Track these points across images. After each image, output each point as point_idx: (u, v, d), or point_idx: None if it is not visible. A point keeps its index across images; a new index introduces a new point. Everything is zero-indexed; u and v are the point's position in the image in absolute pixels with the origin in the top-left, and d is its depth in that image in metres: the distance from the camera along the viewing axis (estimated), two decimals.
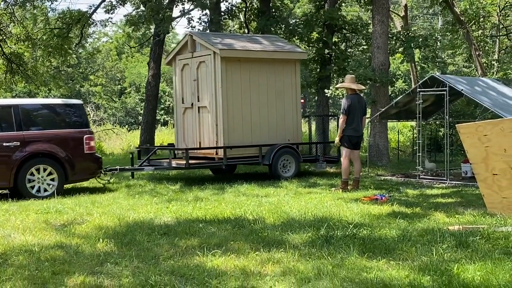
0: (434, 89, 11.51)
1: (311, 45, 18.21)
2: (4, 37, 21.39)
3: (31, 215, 7.95)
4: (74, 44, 22.07)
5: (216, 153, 11.98)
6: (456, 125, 8.08)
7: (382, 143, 14.86)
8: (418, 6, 39.49)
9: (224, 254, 5.45)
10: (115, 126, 30.60)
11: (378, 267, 4.93)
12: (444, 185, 10.94)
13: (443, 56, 33.12)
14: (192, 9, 20.99)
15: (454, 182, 11.05)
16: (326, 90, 16.41)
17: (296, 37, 18.09)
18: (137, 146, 15.37)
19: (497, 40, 24.56)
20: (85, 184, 11.57)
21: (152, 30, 20.89)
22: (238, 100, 12.06)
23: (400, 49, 17.16)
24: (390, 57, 16.43)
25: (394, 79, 31.00)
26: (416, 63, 26.67)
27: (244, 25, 20.03)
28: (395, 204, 8.28)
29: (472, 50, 21.39)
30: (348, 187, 10.22)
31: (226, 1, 19.55)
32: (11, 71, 22.03)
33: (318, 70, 17.92)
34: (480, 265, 4.82)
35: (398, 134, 20.44)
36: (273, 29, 17.58)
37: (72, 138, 10.48)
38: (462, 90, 11.17)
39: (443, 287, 4.38)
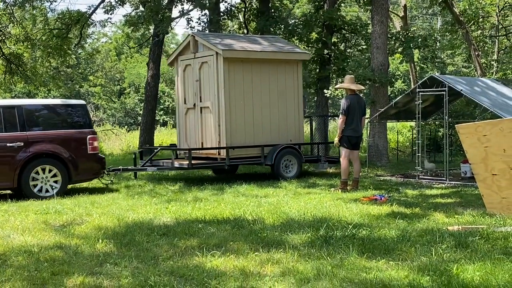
0: (434, 89, 11.51)
1: (310, 45, 18.21)
2: (4, 38, 21.39)
3: (31, 215, 7.95)
4: (74, 44, 22.06)
5: (219, 154, 12.00)
6: (456, 125, 8.09)
7: (381, 144, 14.86)
8: (418, 6, 39.52)
9: (223, 255, 5.45)
10: (115, 127, 30.59)
11: (378, 268, 4.93)
12: (443, 185, 10.95)
13: (442, 57, 33.14)
14: (191, 10, 20.98)
15: (454, 182, 11.05)
16: (325, 91, 16.42)
17: (296, 38, 18.09)
18: (140, 146, 15.34)
19: (496, 40, 24.56)
20: (84, 184, 11.57)
21: (151, 31, 20.88)
22: (241, 100, 12.09)
23: (399, 49, 17.17)
24: (389, 58, 16.44)
25: (393, 80, 30.96)
26: (416, 63, 26.69)
27: (243, 25, 20.04)
28: (395, 204, 8.28)
29: (471, 50, 21.39)
30: (348, 188, 10.22)
31: (225, 2, 19.54)
32: (10, 72, 22.03)
33: (317, 70, 17.92)
34: (480, 265, 4.82)
35: (398, 135, 20.45)
36: (272, 30, 17.58)
37: (75, 138, 10.50)
38: (461, 90, 11.17)
39: (442, 287, 4.38)
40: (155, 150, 12.83)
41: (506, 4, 23.16)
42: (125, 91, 44.79)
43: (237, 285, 4.57)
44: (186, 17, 19.00)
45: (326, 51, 17.59)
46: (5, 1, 20.05)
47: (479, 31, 24.25)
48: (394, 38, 17.21)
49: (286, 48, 13.06)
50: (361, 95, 11.58)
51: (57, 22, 20.56)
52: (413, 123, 16.86)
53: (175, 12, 40.45)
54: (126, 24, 19.46)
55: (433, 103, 13.12)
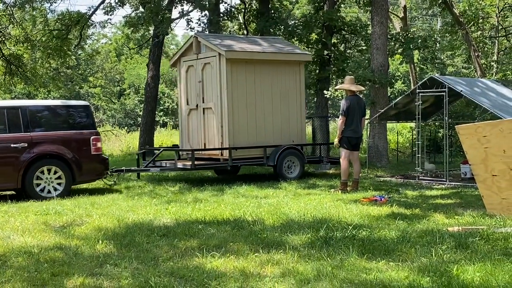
0: (434, 90, 11.51)
1: (310, 46, 18.22)
2: (3, 39, 21.39)
3: (31, 216, 7.95)
4: (73, 45, 22.05)
5: (221, 154, 12.02)
6: (456, 126, 8.09)
7: (381, 144, 14.86)
8: (417, 7, 39.52)
9: (223, 256, 5.45)
10: (114, 128, 30.61)
11: (378, 268, 4.93)
12: (443, 186, 10.94)
13: (442, 57, 33.17)
14: (191, 11, 21.01)
15: (454, 183, 11.05)
16: (325, 91, 16.42)
17: (295, 38, 18.10)
18: (141, 147, 15.35)
19: (496, 41, 24.57)
20: (84, 185, 11.57)
21: (151, 32, 20.89)
22: (243, 101, 12.11)
23: (399, 50, 17.17)
24: (389, 58, 16.44)
25: (393, 80, 31.01)
26: (415, 64, 26.70)
27: (243, 26, 20.04)
28: (395, 205, 8.28)
29: (471, 51, 21.40)
30: (348, 188, 10.22)
31: (225, 3, 19.53)
32: (10, 73, 22.03)
33: (317, 71, 17.92)
34: (480, 266, 4.82)
35: (398, 135, 20.44)
36: (272, 30, 17.58)
37: (79, 139, 10.52)
38: (461, 91, 11.17)
39: None
40: (158, 151, 12.84)
41: (505, 5, 23.17)
42: (125, 92, 44.82)
43: (237, 286, 4.57)
44: (186, 18, 19.03)
45: (326, 52, 17.60)
46: (5, 2, 20.05)
47: (479, 32, 24.26)
48: (394, 39, 17.22)
49: (288, 49, 13.09)
50: (361, 96, 11.58)
51: (57, 23, 20.56)
52: (413, 124, 16.86)
53: (175, 13, 40.47)
54: (126, 25, 19.47)
55: (433, 104, 13.12)
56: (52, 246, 6.03)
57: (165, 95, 42.33)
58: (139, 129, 22.72)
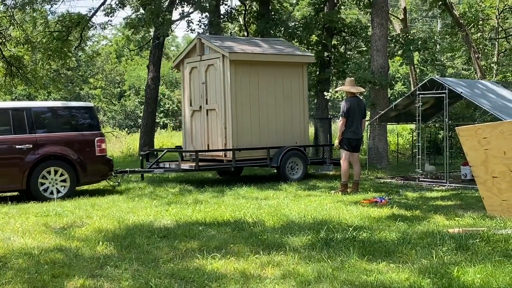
0: (434, 91, 11.52)
1: (310, 47, 18.22)
2: (4, 40, 21.40)
3: (31, 218, 7.95)
4: (74, 47, 22.08)
5: (225, 155, 12.03)
6: (456, 127, 8.09)
7: (381, 146, 14.87)
8: (417, 9, 39.56)
9: (223, 257, 5.45)
10: (115, 129, 30.59)
11: (378, 270, 4.93)
12: (443, 187, 10.94)
13: (442, 59, 33.18)
14: (192, 12, 21.02)
15: (454, 185, 11.05)
16: (325, 93, 16.42)
17: (296, 40, 18.11)
18: (146, 148, 15.32)
19: (496, 42, 24.59)
20: (84, 187, 11.57)
21: (152, 33, 20.91)
22: (247, 102, 12.13)
23: (399, 52, 17.19)
24: (389, 60, 16.45)
25: (393, 82, 31.03)
26: (415, 66, 26.70)
27: (244, 28, 20.05)
28: (395, 206, 8.28)
29: (471, 53, 21.40)
30: (348, 190, 10.22)
31: (226, 4, 19.54)
32: (11, 74, 22.04)
33: (317, 72, 17.93)
34: (480, 268, 4.82)
35: (398, 137, 20.44)
36: (272, 32, 17.60)
37: (83, 140, 10.54)
38: (461, 92, 11.18)
39: None
40: (162, 152, 12.84)
41: (505, 7, 23.19)
42: (125, 94, 44.83)
43: (238, 287, 4.57)
44: (186, 19, 19.06)
45: (326, 54, 17.61)
46: (6, 3, 20.08)
47: (479, 34, 24.28)
48: (394, 40, 17.23)
49: (290, 51, 13.11)
50: (361, 97, 11.59)
51: (57, 25, 20.58)
52: (413, 126, 16.88)
53: (175, 15, 40.55)
54: (127, 26, 19.46)
55: (433, 106, 13.13)
56: (52, 247, 6.02)
57: (166, 96, 42.34)
58: (139, 131, 22.71)
